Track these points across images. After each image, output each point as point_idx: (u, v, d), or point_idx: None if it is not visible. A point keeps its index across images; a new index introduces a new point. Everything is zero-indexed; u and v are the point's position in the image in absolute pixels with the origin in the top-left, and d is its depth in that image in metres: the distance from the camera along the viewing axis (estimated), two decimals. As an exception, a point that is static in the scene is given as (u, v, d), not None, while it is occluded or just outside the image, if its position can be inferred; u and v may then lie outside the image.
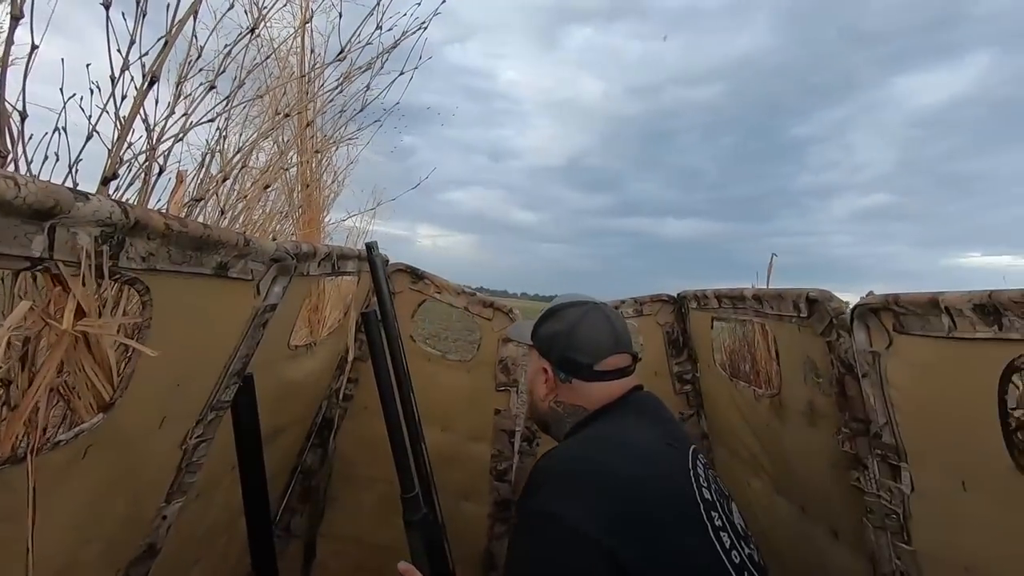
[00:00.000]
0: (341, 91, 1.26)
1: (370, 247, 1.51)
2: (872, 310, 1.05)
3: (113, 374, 0.76)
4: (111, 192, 0.72)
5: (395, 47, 1.28)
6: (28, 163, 0.64)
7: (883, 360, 1.05)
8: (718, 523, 0.86)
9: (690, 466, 0.93)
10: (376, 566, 2.03)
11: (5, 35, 0.54)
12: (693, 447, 0.99)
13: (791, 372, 1.42)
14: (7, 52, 0.54)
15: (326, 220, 1.65)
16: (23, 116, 0.57)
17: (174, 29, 0.69)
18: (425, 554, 1.09)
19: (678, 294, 2.16)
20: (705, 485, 0.92)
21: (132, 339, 0.73)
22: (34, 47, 0.57)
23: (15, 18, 0.56)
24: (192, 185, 0.89)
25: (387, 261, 2.03)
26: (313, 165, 1.30)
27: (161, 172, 0.78)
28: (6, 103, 0.55)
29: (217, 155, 0.95)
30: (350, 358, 1.92)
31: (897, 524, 1.03)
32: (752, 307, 1.53)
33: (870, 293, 1.03)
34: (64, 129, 0.63)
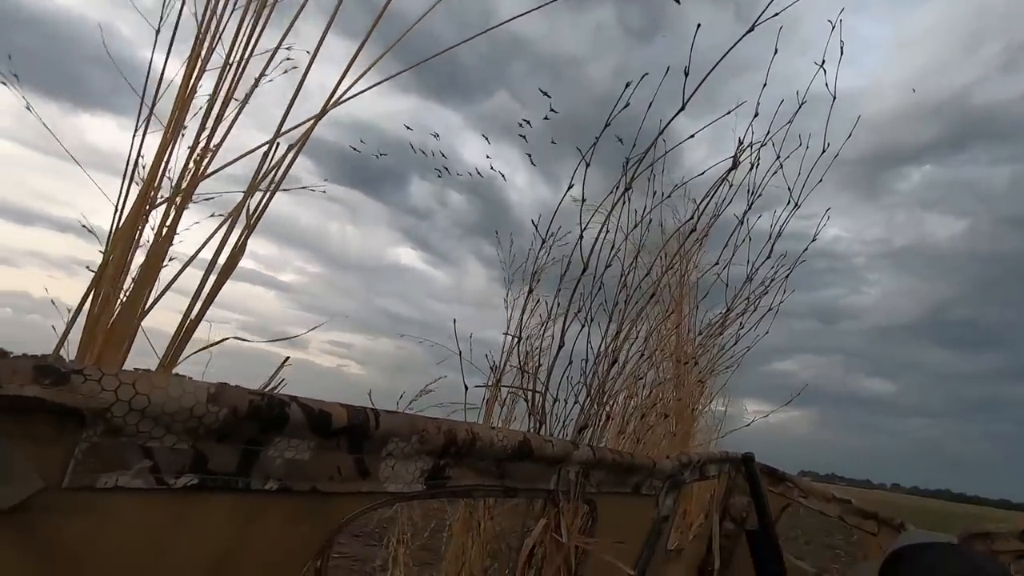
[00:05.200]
0: (721, 333, 1.51)
1: (748, 460, 1.56)
2: None
3: (571, 570, 1.00)
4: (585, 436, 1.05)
5: (764, 294, 1.49)
6: (548, 424, 1.01)
7: None
8: None
9: None
10: None
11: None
12: None
13: None
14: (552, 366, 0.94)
15: (695, 429, 1.83)
16: (555, 400, 0.95)
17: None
18: None
19: None
20: None
21: (591, 544, 0.98)
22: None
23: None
24: (621, 421, 1.19)
25: (742, 459, 2.02)
26: (695, 392, 1.53)
27: (608, 418, 1.09)
28: (548, 392, 0.94)
29: (634, 397, 1.26)
30: (716, 565, 1.88)
31: None
32: None
33: None
34: (564, 401, 1.00)
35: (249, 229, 0.64)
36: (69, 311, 0.58)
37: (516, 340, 1.05)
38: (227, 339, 0.68)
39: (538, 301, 1.16)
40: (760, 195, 1.27)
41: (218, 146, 0.66)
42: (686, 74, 1.00)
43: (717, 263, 1.31)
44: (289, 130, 0.68)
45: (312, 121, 0.69)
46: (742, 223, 1.29)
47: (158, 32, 0.71)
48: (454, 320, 1.05)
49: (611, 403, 1.11)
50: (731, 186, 1.14)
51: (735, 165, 1.12)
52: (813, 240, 1.49)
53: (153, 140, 0.65)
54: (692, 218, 1.11)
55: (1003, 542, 1.74)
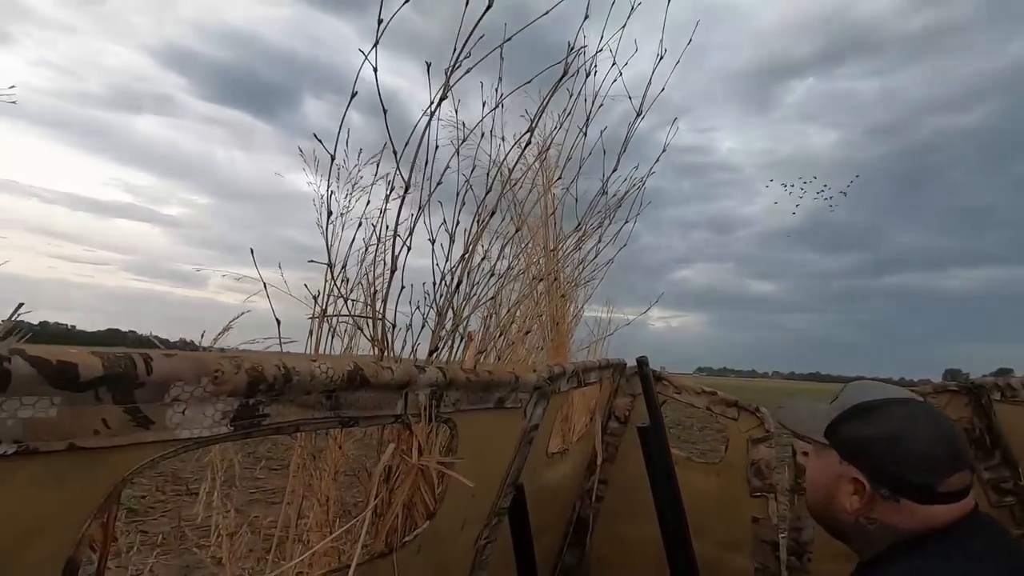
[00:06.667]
0: (579, 248, 1.54)
1: (642, 363, 1.68)
2: None
3: (435, 489, 1.03)
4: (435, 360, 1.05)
5: (619, 207, 1.51)
6: (392, 351, 0.99)
7: None
8: None
9: None
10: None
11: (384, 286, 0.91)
12: None
13: None
14: (386, 295, 0.90)
15: (571, 341, 1.92)
16: (393, 326, 0.92)
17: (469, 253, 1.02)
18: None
19: (974, 383, 1.81)
20: None
21: (445, 464, 1.01)
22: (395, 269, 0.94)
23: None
24: (479, 341, 1.19)
25: (624, 364, 2.17)
26: (559, 307, 1.57)
27: (462, 339, 1.09)
28: (388, 321, 0.91)
29: (493, 316, 1.27)
30: (599, 461, 2.05)
31: None
32: None
33: None
34: (410, 326, 0.98)
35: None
36: None
37: (336, 267, 1.00)
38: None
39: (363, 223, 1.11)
40: (602, 105, 1.26)
41: None
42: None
43: (560, 176, 1.32)
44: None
45: None
46: (584, 135, 1.28)
47: None
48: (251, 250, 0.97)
49: (464, 324, 1.11)
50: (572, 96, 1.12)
51: (565, 73, 1.08)
52: (663, 151, 1.54)
53: None
54: (530, 130, 1.08)
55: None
